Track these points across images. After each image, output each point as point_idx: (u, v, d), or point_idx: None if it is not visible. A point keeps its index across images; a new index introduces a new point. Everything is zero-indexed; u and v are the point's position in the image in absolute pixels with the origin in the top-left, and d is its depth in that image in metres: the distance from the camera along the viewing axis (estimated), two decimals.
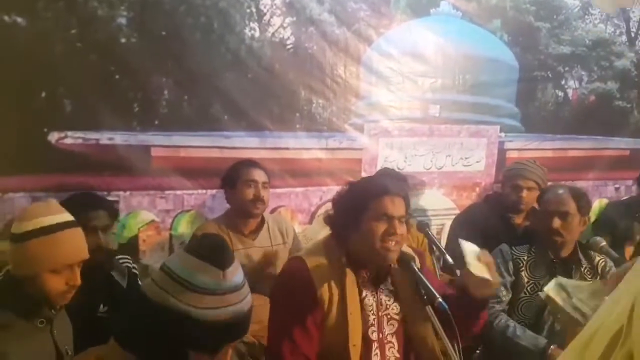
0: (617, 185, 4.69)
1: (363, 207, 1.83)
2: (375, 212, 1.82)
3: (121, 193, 3.18)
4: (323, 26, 3.53)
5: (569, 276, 2.46)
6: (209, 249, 1.19)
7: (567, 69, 4.43)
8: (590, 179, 4.48)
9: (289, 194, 3.61)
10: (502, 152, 4.15)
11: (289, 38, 3.47)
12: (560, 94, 4.45)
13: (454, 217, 3.64)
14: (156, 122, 3.22)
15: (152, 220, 3.30)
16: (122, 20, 3.04)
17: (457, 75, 3.99)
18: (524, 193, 3.08)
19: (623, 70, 4.61)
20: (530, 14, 4.22)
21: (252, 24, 3.36)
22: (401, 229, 1.84)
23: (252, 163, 2.95)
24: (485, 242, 2.80)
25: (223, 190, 2.97)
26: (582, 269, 2.50)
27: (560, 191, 2.52)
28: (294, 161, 3.57)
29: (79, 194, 2.62)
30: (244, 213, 2.90)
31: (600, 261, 2.53)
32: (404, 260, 1.76)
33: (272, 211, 3.44)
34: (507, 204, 3.17)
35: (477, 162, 4.10)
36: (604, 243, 2.50)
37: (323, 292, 1.80)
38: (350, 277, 1.86)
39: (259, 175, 2.89)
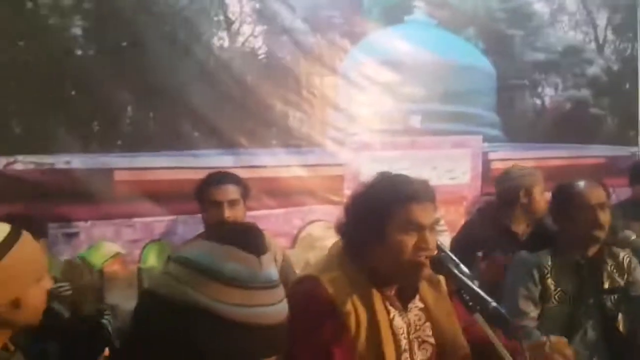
0: None
1: (387, 215, 1.52)
2: (403, 222, 1.51)
3: (81, 223, 3.05)
4: (296, 34, 3.45)
5: (597, 277, 2.27)
6: (238, 233, 0.94)
7: (543, 76, 4.42)
8: None
9: (268, 216, 3.40)
10: (486, 162, 4.04)
11: (260, 47, 3.40)
12: (538, 101, 4.42)
13: (442, 233, 3.43)
14: (119, 143, 3.09)
15: (118, 253, 3.00)
16: (77, 31, 2.96)
17: (435, 84, 3.91)
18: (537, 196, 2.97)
19: (594, 77, 4.62)
20: (502, 22, 4.21)
21: (220, 33, 3.29)
22: (432, 238, 1.55)
23: (218, 178, 2.69)
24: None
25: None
26: (609, 268, 2.31)
27: (590, 183, 2.33)
28: (271, 180, 3.41)
29: None
30: None
31: (625, 257, 2.35)
32: (439, 262, 1.48)
33: None
34: (505, 212, 3.02)
35: (463, 174, 3.95)
36: (634, 237, 2.32)
37: (348, 314, 1.50)
38: (376, 295, 1.56)
39: (223, 194, 2.63)
